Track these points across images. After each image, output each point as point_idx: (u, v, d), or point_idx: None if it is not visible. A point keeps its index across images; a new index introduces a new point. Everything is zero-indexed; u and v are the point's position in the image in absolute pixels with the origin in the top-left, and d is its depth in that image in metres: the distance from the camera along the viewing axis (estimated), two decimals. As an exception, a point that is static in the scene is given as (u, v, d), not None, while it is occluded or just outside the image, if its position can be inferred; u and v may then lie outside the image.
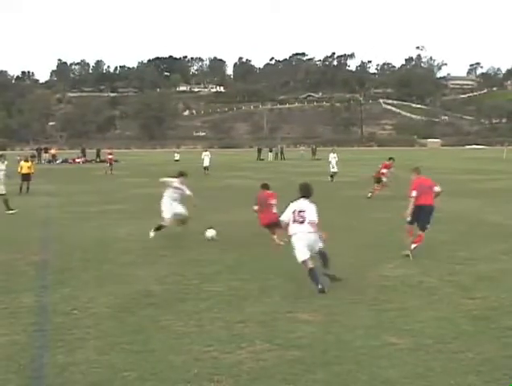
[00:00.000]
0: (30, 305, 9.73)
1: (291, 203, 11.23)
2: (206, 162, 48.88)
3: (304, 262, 10.61)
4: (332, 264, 10.97)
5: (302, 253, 10.65)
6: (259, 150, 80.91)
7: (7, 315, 9.10)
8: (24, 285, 11.10)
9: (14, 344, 7.76)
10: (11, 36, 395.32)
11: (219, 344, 7.67)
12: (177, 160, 73.06)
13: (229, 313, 9.10)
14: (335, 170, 38.28)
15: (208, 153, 50.37)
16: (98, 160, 75.98)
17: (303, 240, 10.70)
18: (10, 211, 21.91)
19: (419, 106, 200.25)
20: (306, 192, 11.29)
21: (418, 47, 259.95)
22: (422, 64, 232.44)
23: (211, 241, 15.41)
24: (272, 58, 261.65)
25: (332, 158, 38.75)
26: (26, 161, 33.46)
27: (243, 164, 63.72)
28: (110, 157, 53.19)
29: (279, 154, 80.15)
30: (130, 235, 16.89)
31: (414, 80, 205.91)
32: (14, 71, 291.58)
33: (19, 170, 32.67)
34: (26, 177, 31.82)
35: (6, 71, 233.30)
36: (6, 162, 23.67)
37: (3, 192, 22.40)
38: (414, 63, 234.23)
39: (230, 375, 6.71)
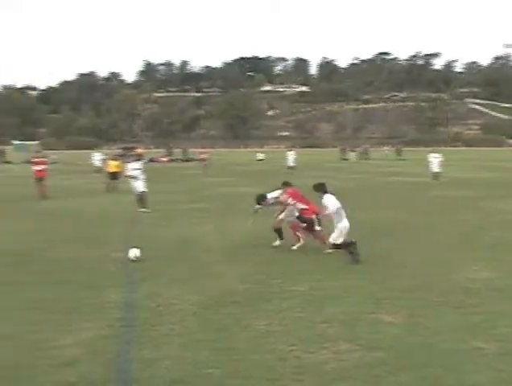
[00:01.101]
0: (117, 300, 9.94)
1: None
2: (291, 162, 48.90)
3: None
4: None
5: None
6: (343, 150, 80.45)
7: (95, 310, 9.33)
8: (111, 281, 11.35)
9: (101, 338, 7.93)
10: (100, 38, 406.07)
11: (302, 344, 7.66)
12: (261, 159, 73.41)
13: (312, 313, 9.07)
14: (437, 170, 37.88)
15: (293, 152, 50.38)
16: (185, 159, 77.08)
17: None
18: (143, 209, 22.37)
19: (507, 106, 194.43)
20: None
21: (506, 45, 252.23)
22: (511, 63, 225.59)
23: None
24: (356, 57, 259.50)
25: (433, 157, 38.44)
26: (114, 160, 34.34)
27: (326, 164, 63.43)
28: (204, 156, 53.99)
29: (363, 154, 79.47)
30: (214, 233, 17.06)
31: (503, 79, 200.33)
32: (103, 73, 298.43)
33: (107, 168, 33.61)
34: (114, 175, 32.64)
35: (94, 73, 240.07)
36: (142, 161, 24.16)
37: (143, 190, 22.90)
38: (503, 61, 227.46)
39: (313, 375, 6.69)
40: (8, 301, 9.95)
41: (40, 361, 7.12)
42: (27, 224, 19.22)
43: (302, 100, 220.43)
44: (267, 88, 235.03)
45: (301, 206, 14.54)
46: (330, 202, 13.14)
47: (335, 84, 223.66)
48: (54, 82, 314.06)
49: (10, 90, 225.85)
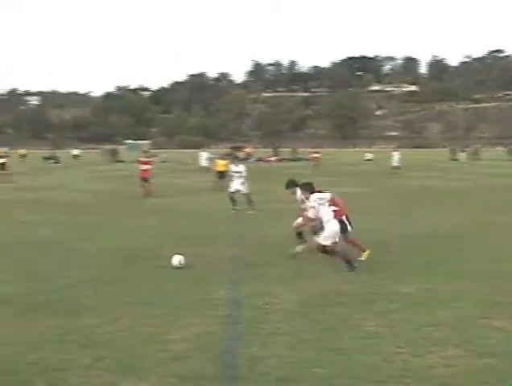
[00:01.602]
0: (224, 297, 10.12)
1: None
2: (395, 162, 48.39)
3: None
4: None
5: None
6: (452, 150, 78.59)
7: (202, 307, 9.52)
8: (218, 278, 11.57)
9: (208, 334, 8.10)
10: (210, 40, 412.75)
11: (409, 346, 7.56)
12: (369, 159, 72.75)
13: (420, 315, 8.92)
14: None
15: (397, 153, 49.83)
16: (293, 158, 77.31)
17: None
18: (234, 209, 22.69)
19: None
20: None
21: None
22: None
23: (397, 243, 15.21)
24: (468, 56, 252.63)
25: None
26: (222, 159, 34.88)
27: (435, 164, 62.14)
28: (316, 156, 54.07)
29: (474, 155, 77.34)
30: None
31: None
32: (213, 73, 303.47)
33: (215, 167, 34.19)
34: (221, 174, 33.15)
35: (205, 73, 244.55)
36: (241, 165, 24.31)
37: (234, 190, 23.35)
38: None
39: (419, 379, 6.60)
40: (124, 295, 10.31)
41: (155, 354, 7.35)
42: (137, 222, 19.81)
43: (411, 100, 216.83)
44: (375, 87, 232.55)
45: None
46: (313, 204, 12.52)
47: (445, 83, 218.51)
48: (165, 83, 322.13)
49: (124, 91, 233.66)
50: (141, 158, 31.19)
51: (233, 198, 23.06)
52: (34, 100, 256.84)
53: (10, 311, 9.34)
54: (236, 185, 23.23)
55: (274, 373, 6.75)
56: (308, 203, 12.66)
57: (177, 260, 12.57)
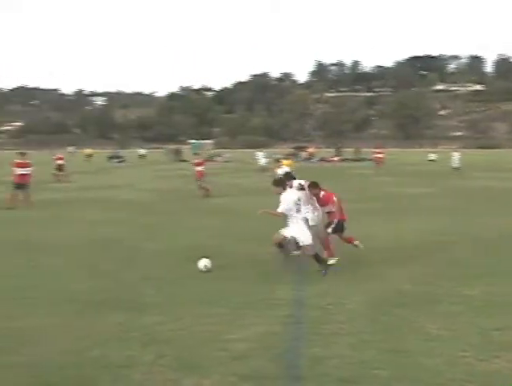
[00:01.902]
0: (287, 297, 10.12)
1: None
2: (456, 163, 47.92)
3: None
4: None
5: None
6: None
7: (264, 306, 9.54)
8: (281, 278, 11.58)
9: (270, 334, 8.10)
10: (273, 40, 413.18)
11: (473, 350, 7.41)
12: (432, 160, 71.75)
13: (484, 318, 8.73)
14: None
15: (457, 153, 49.31)
16: (356, 159, 76.85)
17: None
18: None
19: None
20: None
21: None
22: None
23: (460, 244, 14.97)
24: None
25: None
26: (285, 159, 34.98)
27: (502, 165, 60.80)
28: (379, 156, 53.66)
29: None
30: (382, 233, 16.90)
31: None
32: (275, 73, 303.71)
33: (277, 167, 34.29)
34: (284, 174, 33.27)
35: (267, 73, 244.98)
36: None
37: None
38: None
39: (483, 384, 6.46)
40: (187, 294, 10.42)
41: (217, 353, 7.39)
42: (200, 221, 19.98)
43: (476, 100, 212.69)
44: (440, 87, 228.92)
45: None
46: (286, 198, 12.40)
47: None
48: (228, 83, 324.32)
49: (188, 91, 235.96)
50: (195, 160, 31.58)
51: None
52: (100, 101, 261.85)
53: (75, 308, 9.53)
54: None
55: (336, 374, 6.71)
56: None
57: (203, 264, 12.45)
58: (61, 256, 13.89)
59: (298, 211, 12.34)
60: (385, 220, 19.56)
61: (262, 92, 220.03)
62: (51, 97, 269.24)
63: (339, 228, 13.39)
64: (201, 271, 12.31)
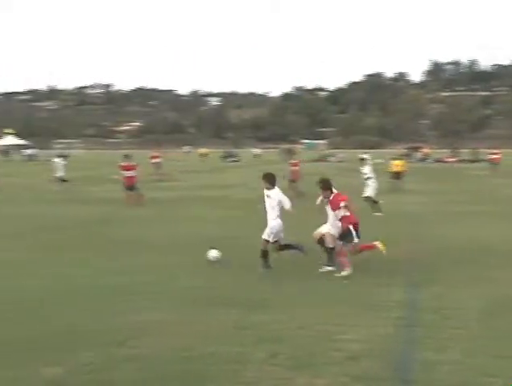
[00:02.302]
0: (400, 300, 10.01)
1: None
2: None
3: None
4: None
5: None
6: None
7: (378, 308, 9.45)
8: (394, 280, 11.47)
9: (383, 336, 8.03)
10: (387, 39, 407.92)
11: None
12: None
13: None
14: None
15: None
16: (472, 160, 74.78)
17: None
18: (378, 214, 22.27)
19: None
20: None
21: None
22: None
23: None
24: None
25: None
26: (398, 159, 34.48)
27: None
28: (495, 157, 52.27)
29: None
30: (496, 237, 16.42)
31: None
32: (389, 73, 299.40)
33: (390, 168, 33.86)
34: (396, 175, 32.84)
35: (382, 73, 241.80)
36: (366, 167, 24.01)
37: (369, 194, 23.12)
38: None
39: None
40: (302, 294, 10.51)
41: (329, 353, 7.40)
42: (316, 220, 20.04)
43: None
44: None
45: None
46: (280, 196, 12.45)
47: None
48: (342, 83, 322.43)
49: (301, 91, 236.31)
50: (291, 161, 31.65)
51: (373, 202, 22.74)
52: (215, 101, 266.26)
53: (192, 304, 9.76)
54: (369, 190, 22.89)
55: (448, 379, 6.59)
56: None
57: (212, 254, 13.16)
58: (179, 254, 14.24)
59: None
60: (499, 223, 18.96)
61: (376, 91, 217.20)
62: (168, 98, 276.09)
63: (349, 236, 12.26)
64: (210, 261, 12.99)
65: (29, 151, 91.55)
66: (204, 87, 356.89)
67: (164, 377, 6.66)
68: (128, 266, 12.85)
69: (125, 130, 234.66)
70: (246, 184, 37.08)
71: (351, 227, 12.22)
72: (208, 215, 21.76)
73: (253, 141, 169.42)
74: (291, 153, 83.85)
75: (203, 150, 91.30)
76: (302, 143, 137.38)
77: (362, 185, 23.21)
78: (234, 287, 10.96)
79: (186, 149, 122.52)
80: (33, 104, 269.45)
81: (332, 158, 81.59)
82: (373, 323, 8.60)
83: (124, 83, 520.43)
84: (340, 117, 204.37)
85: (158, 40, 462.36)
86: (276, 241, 12.57)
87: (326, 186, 12.72)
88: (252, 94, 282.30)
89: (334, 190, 12.71)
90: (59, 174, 35.20)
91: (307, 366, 6.96)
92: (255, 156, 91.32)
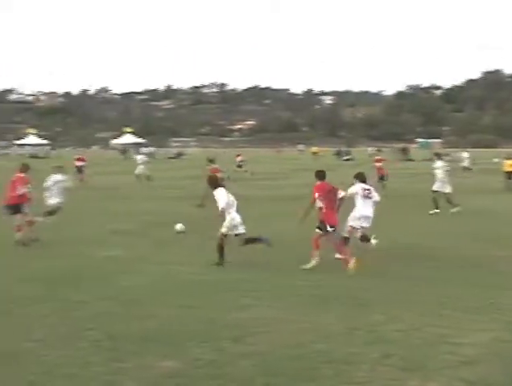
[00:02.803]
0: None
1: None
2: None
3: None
4: None
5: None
6: None
7: (494, 311, 9.21)
8: (504, 281, 11.15)
9: (500, 341, 7.80)
10: (505, 35, 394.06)
11: None
12: None
13: None
14: None
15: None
16: None
17: None
18: (454, 209, 21.83)
19: None
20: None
21: None
22: None
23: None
24: None
25: None
26: (509, 158, 33.49)
27: None
28: None
29: None
30: None
31: None
32: (509, 70, 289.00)
33: (503, 167, 33.04)
34: (509, 175, 32.15)
35: (501, 70, 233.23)
36: (439, 162, 23.59)
37: (436, 190, 22.57)
38: None
39: None
40: (412, 293, 10.34)
41: (443, 356, 7.23)
42: (422, 219, 19.72)
43: None
44: None
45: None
46: (221, 196, 13.00)
47: None
48: (458, 81, 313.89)
49: (416, 89, 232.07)
50: (376, 157, 31.41)
51: (434, 198, 22.10)
52: (328, 100, 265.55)
53: (299, 302, 9.79)
54: (437, 184, 22.19)
55: None
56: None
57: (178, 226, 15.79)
58: (283, 252, 14.33)
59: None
60: None
61: (494, 89, 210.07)
62: (281, 97, 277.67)
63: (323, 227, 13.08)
64: (177, 232, 15.06)
65: (146, 150, 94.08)
66: (318, 85, 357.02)
67: (277, 374, 6.69)
68: (234, 263, 13.03)
69: (240, 129, 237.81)
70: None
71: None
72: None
73: (366, 140, 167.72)
74: (405, 152, 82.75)
75: (314, 149, 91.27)
76: (416, 142, 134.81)
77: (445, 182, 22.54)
78: (342, 286, 10.89)
79: (300, 147, 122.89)
80: (151, 103, 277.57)
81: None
82: (489, 327, 8.34)
83: (238, 82, 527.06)
84: (455, 115, 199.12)
85: (273, 39, 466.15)
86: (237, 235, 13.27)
87: (316, 176, 13.79)
88: (366, 92, 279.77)
89: (321, 181, 13.58)
90: (141, 171, 36.06)
91: (419, 368, 6.82)
92: (371, 155, 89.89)
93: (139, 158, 39.03)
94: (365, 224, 14.29)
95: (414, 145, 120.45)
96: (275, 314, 9.09)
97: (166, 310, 9.42)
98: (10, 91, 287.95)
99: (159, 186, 35.35)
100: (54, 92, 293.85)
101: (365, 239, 14.28)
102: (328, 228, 12.84)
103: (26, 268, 12.65)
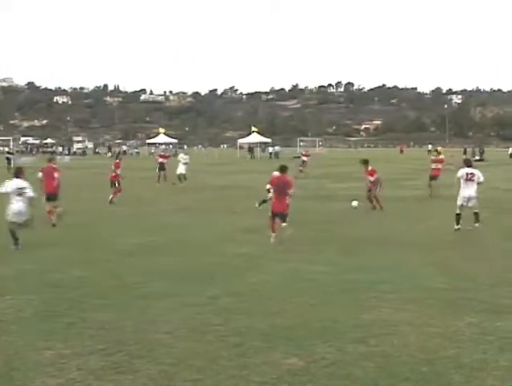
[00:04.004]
0: None
1: None
2: None
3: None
4: None
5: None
6: None
7: None
8: None
9: None
10: None
11: None
12: None
13: None
14: None
15: None
16: None
17: None
18: None
19: None
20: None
21: None
22: None
23: None
24: None
25: None
26: None
27: None
28: None
29: None
30: None
31: None
32: None
33: None
34: None
35: None
36: None
37: None
38: None
39: None
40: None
41: None
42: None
43: None
44: None
45: None
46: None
47: None
48: None
49: None
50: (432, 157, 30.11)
51: None
52: (457, 99, 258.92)
53: (428, 306, 9.56)
54: None
55: None
56: None
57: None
58: (419, 253, 14.06)
59: None
60: None
61: None
62: (409, 96, 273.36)
63: None
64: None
65: (272, 149, 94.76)
66: (447, 84, 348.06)
67: (401, 378, 6.61)
68: (365, 264, 12.88)
69: (366, 128, 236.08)
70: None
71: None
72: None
73: (497, 140, 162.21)
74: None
75: (439, 149, 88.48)
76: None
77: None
78: (473, 290, 10.55)
79: (429, 147, 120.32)
80: (277, 102, 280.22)
81: None
82: None
83: (365, 81, 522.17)
84: None
85: (397, 37, 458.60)
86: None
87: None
88: (497, 91, 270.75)
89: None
90: (181, 171, 36.03)
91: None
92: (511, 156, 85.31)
93: (183, 157, 38.12)
94: (470, 204, 17.10)
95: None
96: (403, 316, 8.97)
97: (291, 307, 9.48)
98: (141, 92, 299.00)
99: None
100: (184, 93, 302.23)
101: (476, 217, 17.07)
102: None
103: (157, 264, 13.06)
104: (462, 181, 17.19)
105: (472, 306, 9.44)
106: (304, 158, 47.89)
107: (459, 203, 17.17)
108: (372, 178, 22.36)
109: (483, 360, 7.11)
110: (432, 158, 30.58)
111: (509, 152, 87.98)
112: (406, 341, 7.81)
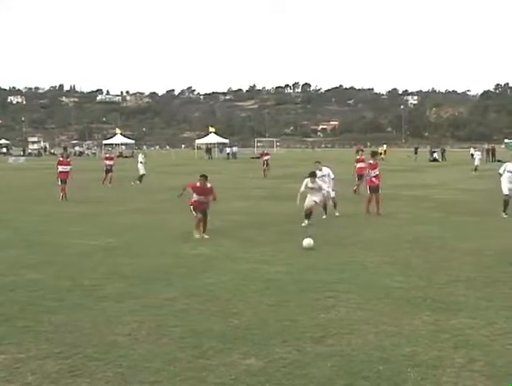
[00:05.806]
0: None
1: None
2: None
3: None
4: None
5: None
6: None
7: None
8: None
9: None
10: None
11: None
12: None
13: None
14: None
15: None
16: None
17: None
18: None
19: None
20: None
21: None
22: None
23: None
24: None
25: None
26: None
27: None
28: None
29: None
30: None
31: None
32: None
33: None
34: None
35: None
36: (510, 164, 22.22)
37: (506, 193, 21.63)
38: None
39: None
40: (499, 297, 10.02)
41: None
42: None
43: None
44: None
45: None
46: None
47: None
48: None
49: (503, 89, 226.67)
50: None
51: (506, 201, 21.16)
52: (412, 100, 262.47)
53: (385, 304, 9.63)
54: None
55: None
56: None
57: (306, 242, 14.58)
58: (374, 252, 14.14)
59: None
60: None
61: None
62: (366, 96, 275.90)
63: None
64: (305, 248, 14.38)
65: (230, 149, 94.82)
66: (403, 85, 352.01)
67: (359, 377, 6.64)
68: (323, 264, 12.87)
69: (323, 129, 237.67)
70: (445, 184, 36.05)
71: None
72: (406, 214, 21.38)
73: (451, 140, 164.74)
74: (491, 153, 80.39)
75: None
76: (504, 143, 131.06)
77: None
78: (428, 289, 10.64)
79: (384, 147, 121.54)
80: (235, 103, 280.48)
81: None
82: None
83: (322, 82, 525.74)
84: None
85: (354, 39, 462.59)
86: None
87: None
88: (452, 92, 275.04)
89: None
90: (143, 171, 36.94)
91: (506, 376, 6.63)
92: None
93: (141, 156, 38.81)
94: None
95: (502, 146, 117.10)
96: (360, 314, 9.02)
97: (249, 308, 9.46)
98: (98, 92, 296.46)
99: (248, 186, 35.46)
100: (141, 93, 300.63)
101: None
102: None
103: (114, 265, 12.92)
104: (506, 174, 21.06)
105: (428, 305, 9.53)
106: (266, 157, 47.69)
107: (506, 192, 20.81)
108: (376, 172, 22.39)
109: (438, 358, 7.19)
110: (357, 157, 30.96)
111: (471, 152, 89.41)
112: (364, 340, 7.85)
